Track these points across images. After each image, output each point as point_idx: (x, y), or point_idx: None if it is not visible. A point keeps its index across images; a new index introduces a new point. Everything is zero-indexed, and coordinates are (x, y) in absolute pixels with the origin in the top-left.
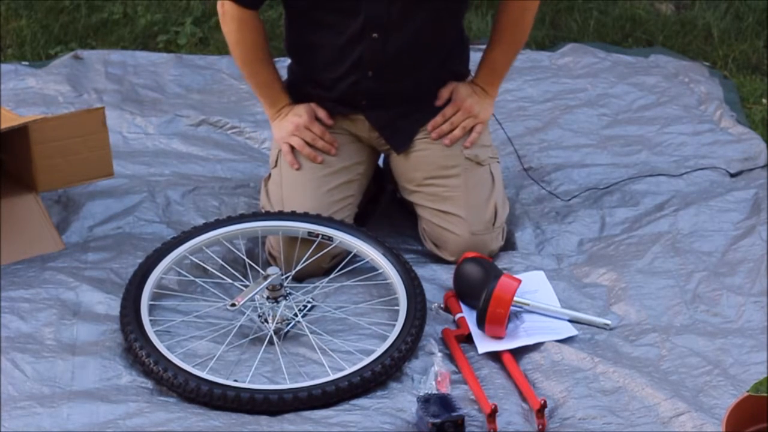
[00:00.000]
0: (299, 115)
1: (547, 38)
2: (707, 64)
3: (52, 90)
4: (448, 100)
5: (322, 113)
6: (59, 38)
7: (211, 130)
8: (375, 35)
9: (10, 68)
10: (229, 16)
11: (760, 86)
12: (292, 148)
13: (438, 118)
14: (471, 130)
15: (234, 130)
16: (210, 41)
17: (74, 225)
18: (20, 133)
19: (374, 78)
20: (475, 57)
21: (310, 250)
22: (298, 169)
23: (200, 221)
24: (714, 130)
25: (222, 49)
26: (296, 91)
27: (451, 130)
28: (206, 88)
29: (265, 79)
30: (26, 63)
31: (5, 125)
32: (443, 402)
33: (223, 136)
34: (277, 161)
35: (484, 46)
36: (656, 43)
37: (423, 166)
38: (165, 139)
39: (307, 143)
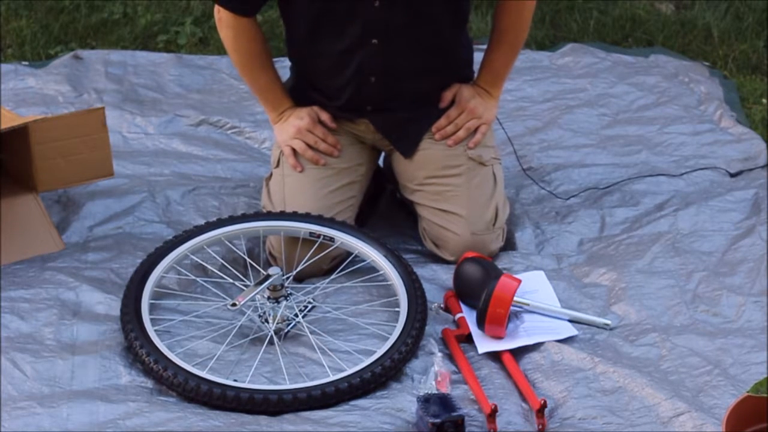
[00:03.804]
0: (301, 117)
1: (547, 38)
2: (707, 64)
3: (52, 90)
4: (452, 102)
5: (325, 116)
6: (59, 38)
7: (211, 130)
8: (374, 41)
9: (10, 68)
10: (224, 23)
11: (760, 86)
12: (295, 151)
13: (442, 120)
14: (475, 131)
15: (234, 130)
16: (210, 41)
17: (74, 225)
18: (20, 133)
19: (377, 84)
20: (476, 57)
21: (311, 251)
22: (300, 171)
23: (200, 221)
24: (714, 130)
25: (222, 49)
26: (299, 96)
27: (456, 132)
28: (206, 88)
29: (266, 84)
30: (26, 63)
31: (5, 125)
32: (443, 402)
33: (223, 136)
34: (278, 161)
35: (484, 46)
36: (656, 43)
37: (426, 165)
38: (165, 139)
39: (310, 146)
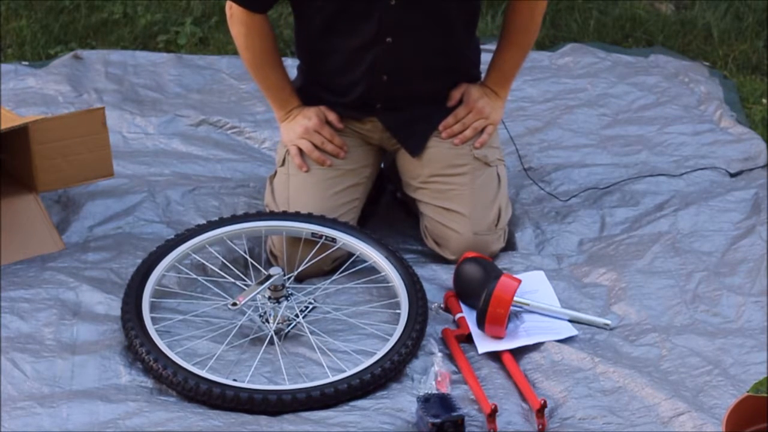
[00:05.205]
0: (309, 117)
1: (547, 38)
2: (707, 64)
3: (52, 90)
4: (460, 101)
5: (332, 116)
6: (59, 38)
7: (211, 130)
8: (389, 40)
9: (10, 68)
10: (236, 19)
11: (760, 86)
12: (301, 151)
13: (450, 119)
14: (482, 131)
15: (234, 130)
16: (210, 41)
17: (74, 225)
18: (20, 133)
19: (388, 82)
20: (483, 57)
21: (313, 252)
22: (306, 171)
23: (200, 221)
24: (714, 130)
25: (222, 49)
26: (307, 94)
27: (463, 131)
28: (206, 88)
29: (275, 82)
30: (26, 63)
31: (5, 125)
32: (443, 402)
33: (223, 136)
34: (284, 160)
35: (486, 46)
36: (656, 43)
37: (431, 163)
38: (165, 139)
39: (316, 147)
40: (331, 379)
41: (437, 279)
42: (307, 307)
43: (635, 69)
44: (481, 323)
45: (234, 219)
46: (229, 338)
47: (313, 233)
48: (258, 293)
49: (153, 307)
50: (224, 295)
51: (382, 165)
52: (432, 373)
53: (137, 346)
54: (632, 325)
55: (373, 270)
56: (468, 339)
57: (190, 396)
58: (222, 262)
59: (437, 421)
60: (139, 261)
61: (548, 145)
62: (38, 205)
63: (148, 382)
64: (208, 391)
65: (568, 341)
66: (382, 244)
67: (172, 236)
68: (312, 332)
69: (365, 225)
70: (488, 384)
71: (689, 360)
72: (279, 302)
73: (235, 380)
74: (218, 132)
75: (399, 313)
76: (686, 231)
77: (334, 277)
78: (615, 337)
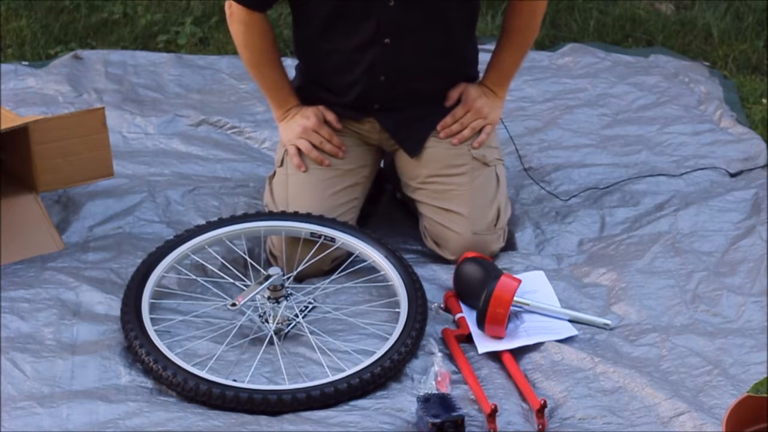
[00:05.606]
0: (307, 117)
1: (547, 38)
2: (707, 64)
3: (52, 90)
4: (458, 101)
5: (330, 116)
6: (59, 38)
7: (211, 130)
8: (387, 40)
9: (10, 68)
10: (236, 17)
11: (760, 86)
12: (299, 150)
13: (448, 119)
14: (480, 131)
15: (234, 130)
16: (210, 41)
17: (74, 225)
18: (20, 133)
19: (386, 83)
20: (481, 57)
21: (312, 251)
22: (304, 171)
23: (200, 221)
24: (714, 130)
25: (222, 49)
26: (306, 94)
27: (461, 131)
28: (206, 88)
29: (274, 82)
30: (26, 63)
31: (5, 125)
32: (443, 402)
33: (223, 136)
34: (283, 160)
35: (485, 46)
36: (656, 43)
37: (429, 163)
38: (165, 139)
39: (315, 146)
40: (331, 378)
41: (437, 279)
42: (306, 307)
43: (635, 69)
44: (481, 323)
45: (233, 219)
46: (228, 338)
47: (312, 233)
48: (257, 293)
49: (153, 308)
50: (224, 295)
51: (382, 165)
52: (432, 373)
53: (137, 347)
54: (632, 325)
55: (372, 269)
56: (468, 339)
57: (190, 396)
58: (221, 262)
59: (437, 421)
60: (139, 261)
61: (548, 145)
62: (38, 205)
63: (148, 383)
64: (208, 392)
65: (568, 341)
66: (381, 243)
67: (172, 236)
68: (312, 332)
69: (365, 225)
70: (488, 384)
71: (689, 360)
72: (278, 302)
73: (235, 380)
74: (218, 132)
75: (398, 313)
76: (686, 231)
77: (333, 277)
78: (615, 337)
